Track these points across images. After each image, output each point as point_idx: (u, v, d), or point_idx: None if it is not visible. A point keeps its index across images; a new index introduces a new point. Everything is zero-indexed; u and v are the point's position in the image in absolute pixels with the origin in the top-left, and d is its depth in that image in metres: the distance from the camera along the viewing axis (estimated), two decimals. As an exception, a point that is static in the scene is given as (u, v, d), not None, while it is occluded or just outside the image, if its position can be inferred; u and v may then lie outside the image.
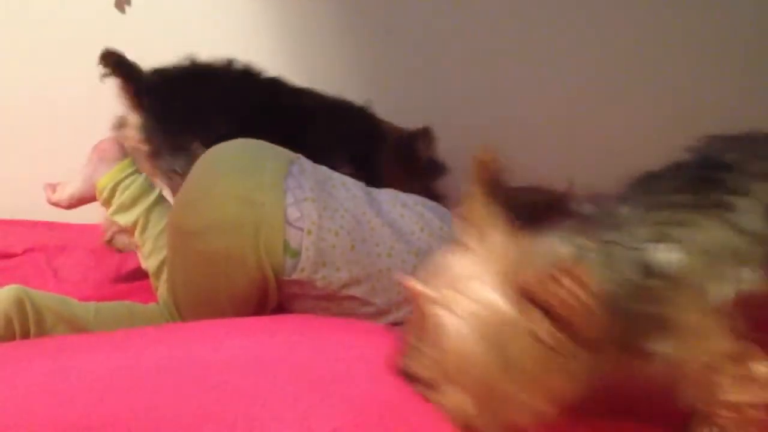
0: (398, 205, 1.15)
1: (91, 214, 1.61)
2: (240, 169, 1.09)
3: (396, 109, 1.61)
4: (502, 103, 1.78)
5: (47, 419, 0.72)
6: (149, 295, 1.26)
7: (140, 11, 1.79)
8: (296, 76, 1.55)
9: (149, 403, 0.74)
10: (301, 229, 1.04)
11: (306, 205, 1.05)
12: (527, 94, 1.77)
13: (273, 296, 1.07)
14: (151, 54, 1.47)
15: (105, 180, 1.28)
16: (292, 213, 1.04)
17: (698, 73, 1.73)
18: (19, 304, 1.04)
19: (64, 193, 1.33)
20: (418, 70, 1.80)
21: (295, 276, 1.04)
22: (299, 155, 1.18)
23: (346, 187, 1.14)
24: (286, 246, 1.03)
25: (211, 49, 1.50)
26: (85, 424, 0.71)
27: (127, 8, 1.79)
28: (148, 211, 1.26)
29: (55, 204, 1.35)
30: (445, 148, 1.60)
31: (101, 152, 1.32)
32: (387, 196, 1.17)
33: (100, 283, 1.44)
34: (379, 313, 1.07)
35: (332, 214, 1.06)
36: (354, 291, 1.05)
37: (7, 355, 0.90)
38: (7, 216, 1.76)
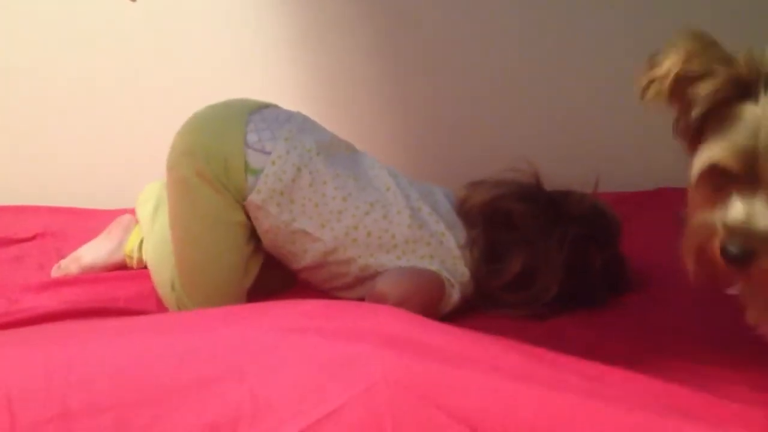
0: (377, 169, 1.25)
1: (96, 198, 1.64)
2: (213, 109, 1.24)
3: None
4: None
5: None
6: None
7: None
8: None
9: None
10: (266, 153, 1.16)
11: (275, 143, 1.17)
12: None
13: (247, 231, 1.19)
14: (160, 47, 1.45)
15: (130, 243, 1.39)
16: (251, 138, 1.17)
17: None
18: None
19: (85, 263, 1.39)
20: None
21: (252, 197, 1.15)
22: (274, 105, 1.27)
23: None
24: (246, 166, 1.15)
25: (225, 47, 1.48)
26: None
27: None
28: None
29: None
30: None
31: (127, 224, 1.43)
32: (371, 161, 1.27)
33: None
34: (327, 253, 1.17)
35: (301, 153, 1.17)
36: (304, 224, 1.16)
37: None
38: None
